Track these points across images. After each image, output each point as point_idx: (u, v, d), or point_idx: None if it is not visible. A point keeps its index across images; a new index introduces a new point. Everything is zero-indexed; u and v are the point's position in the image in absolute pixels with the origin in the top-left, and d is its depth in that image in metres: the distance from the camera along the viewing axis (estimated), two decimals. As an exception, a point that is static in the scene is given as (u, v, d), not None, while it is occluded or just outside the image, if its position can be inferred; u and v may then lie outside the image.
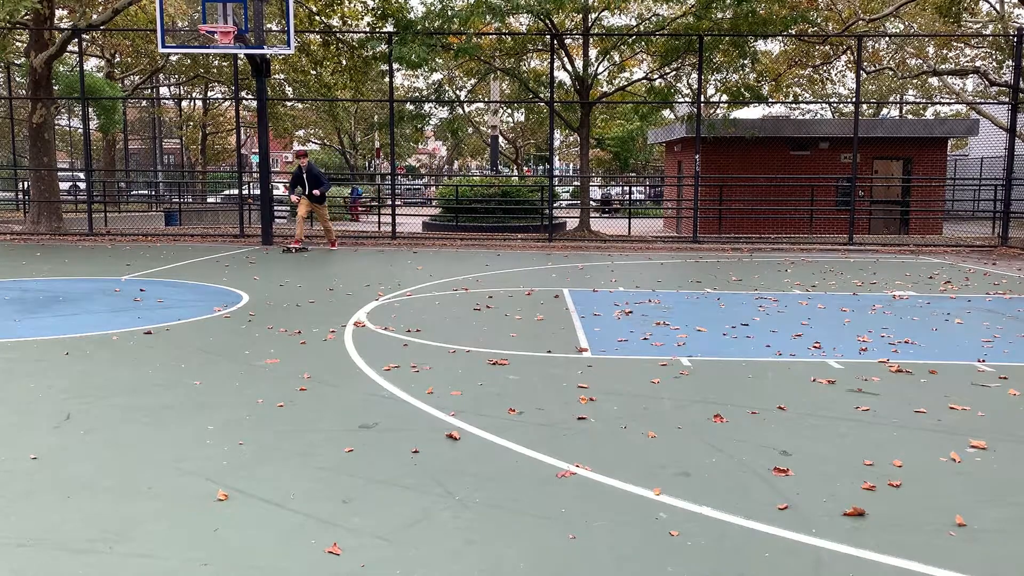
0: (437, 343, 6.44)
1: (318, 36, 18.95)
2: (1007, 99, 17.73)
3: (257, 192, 20.39)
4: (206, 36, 14.02)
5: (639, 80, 20.22)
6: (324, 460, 3.86)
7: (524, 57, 22.22)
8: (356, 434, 4.23)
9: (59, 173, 21.52)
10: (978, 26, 23.76)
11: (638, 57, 21.84)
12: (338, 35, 18.41)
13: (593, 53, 19.05)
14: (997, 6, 23.47)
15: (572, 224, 19.60)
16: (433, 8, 16.38)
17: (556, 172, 35.32)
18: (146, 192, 29.08)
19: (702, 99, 16.71)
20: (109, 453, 3.93)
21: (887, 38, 25.49)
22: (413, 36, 15.50)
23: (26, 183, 20.63)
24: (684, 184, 20.92)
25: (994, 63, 24.46)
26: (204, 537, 3.04)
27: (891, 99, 36.16)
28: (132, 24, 20.90)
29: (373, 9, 16.95)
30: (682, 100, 21.01)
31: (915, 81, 30.86)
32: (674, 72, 19.74)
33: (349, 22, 18.63)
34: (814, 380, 5.39)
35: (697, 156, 16.35)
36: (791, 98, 28.48)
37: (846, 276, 11.16)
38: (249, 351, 6.11)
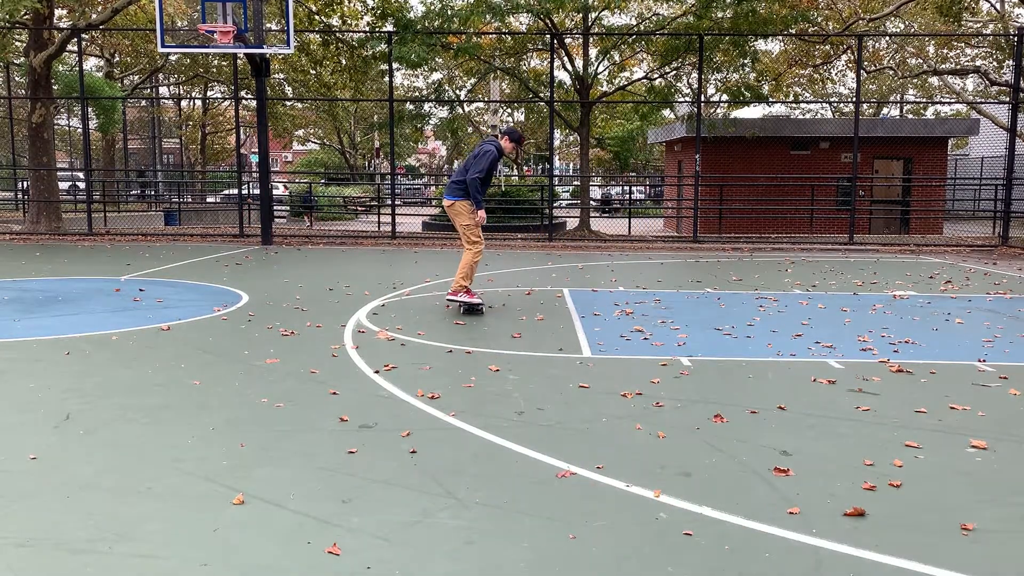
0: (437, 343, 6.44)
1: (318, 36, 18.95)
2: (1007, 99, 17.73)
3: (257, 192, 20.37)
4: (205, 36, 14.02)
5: (639, 80, 20.21)
6: (324, 460, 3.85)
7: (524, 57, 22.23)
8: (356, 434, 4.23)
9: (59, 173, 21.51)
10: (978, 26, 23.76)
11: (638, 57, 21.85)
12: (338, 35, 18.41)
13: (593, 53, 19.05)
14: (997, 6, 23.47)
15: (572, 224, 19.60)
16: (433, 7, 16.38)
17: (556, 172, 35.35)
18: (143, 192, 29.06)
19: (702, 99, 16.71)
20: (109, 453, 3.93)
21: (887, 38, 25.49)
22: (413, 36, 15.50)
23: (25, 183, 20.63)
24: (684, 184, 20.93)
25: (994, 63, 24.47)
26: (204, 537, 3.04)
27: (891, 99, 36.17)
28: (131, 24, 20.90)
29: (373, 8, 16.95)
30: (682, 100, 21.01)
31: (915, 81, 30.88)
32: (674, 72, 19.74)
33: (349, 22, 18.63)
34: (814, 380, 5.39)
35: (697, 156, 16.35)
36: (791, 98, 28.48)
37: (846, 276, 11.16)
38: (249, 351, 6.10)
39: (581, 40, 19.53)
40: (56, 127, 21.99)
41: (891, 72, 27.72)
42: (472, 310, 7.72)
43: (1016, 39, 16.07)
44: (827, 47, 23.55)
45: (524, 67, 22.79)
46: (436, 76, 26.15)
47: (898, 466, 3.81)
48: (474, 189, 7.58)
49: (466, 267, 7.69)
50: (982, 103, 23.27)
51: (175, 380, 5.26)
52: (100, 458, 3.86)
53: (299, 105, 35.43)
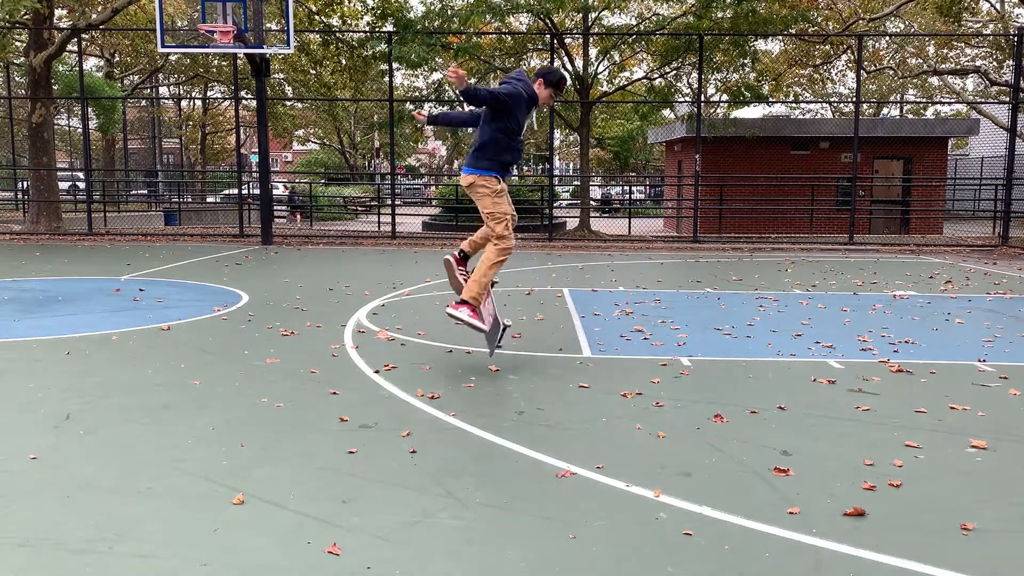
0: (437, 343, 6.44)
1: (318, 36, 18.95)
2: (1007, 99, 17.73)
3: (257, 192, 20.38)
4: (205, 36, 14.02)
5: (639, 79, 20.22)
6: (324, 460, 3.85)
7: (524, 56, 22.21)
8: (356, 434, 4.23)
9: (59, 173, 21.51)
10: (978, 25, 23.76)
11: (638, 57, 21.84)
12: (338, 34, 18.41)
13: (593, 52, 19.06)
14: (997, 6, 23.47)
15: (572, 224, 19.60)
16: (433, 7, 16.38)
17: (556, 172, 35.35)
18: (145, 192, 29.07)
19: (702, 99, 16.71)
20: (109, 453, 3.93)
21: (887, 37, 25.49)
22: (413, 35, 15.50)
23: (25, 183, 20.63)
24: (684, 184, 20.92)
25: (994, 63, 24.47)
26: (204, 537, 3.04)
27: (891, 99, 36.18)
28: (131, 24, 20.90)
29: (373, 8, 16.96)
30: (682, 100, 21.01)
31: (915, 81, 30.88)
32: (674, 72, 19.74)
33: (349, 21, 18.64)
34: (814, 380, 5.39)
35: (697, 156, 16.35)
36: (791, 98, 28.45)
37: (846, 276, 11.15)
38: (249, 351, 6.10)
39: (581, 40, 19.54)
40: (56, 127, 21.99)
41: (891, 72, 27.72)
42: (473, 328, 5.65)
43: (1016, 39, 16.06)
44: (827, 47, 23.55)
45: (524, 67, 22.78)
46: (436, 76, 26.13)
47: (898, 466, 3.81)
48: (474, 94, 5.14)
49: (484, 268, 5.56)
50: (982, 103, 23.27)
51: (175, 380, 5.26)
52: (100, 458, 3.86)
53: (299, 105, 35.42)
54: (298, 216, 23.43)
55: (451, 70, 5.06)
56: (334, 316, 7.58)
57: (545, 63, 20.92)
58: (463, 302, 5.61)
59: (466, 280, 5.79)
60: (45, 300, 8.38)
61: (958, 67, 25.43)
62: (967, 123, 22.07)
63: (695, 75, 19.75)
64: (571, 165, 52.02)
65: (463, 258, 5.96)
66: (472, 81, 4.79)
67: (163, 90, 33.65)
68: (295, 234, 17.84)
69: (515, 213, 5.74)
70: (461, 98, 5.20)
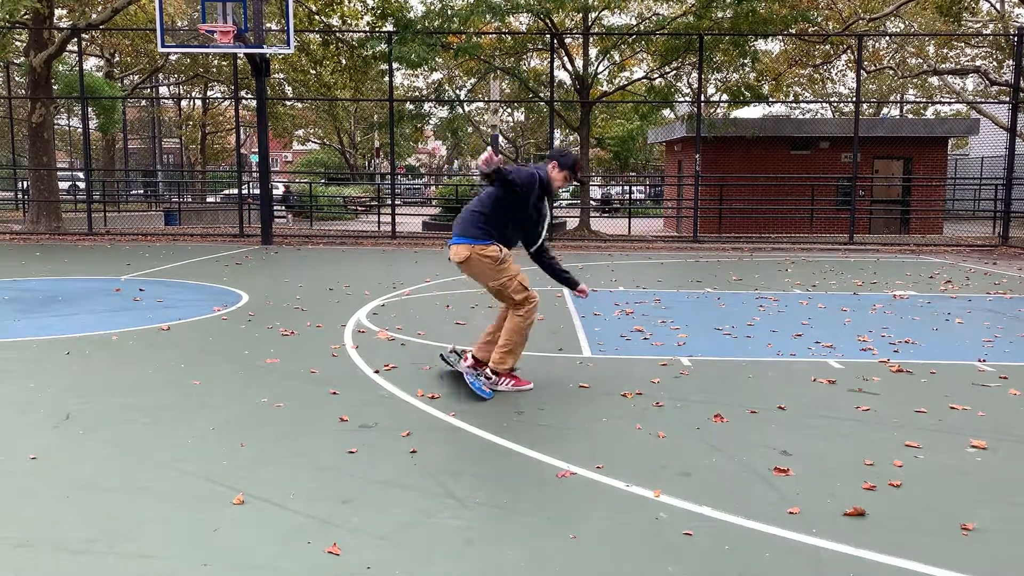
0: (437, 343, 6.44)
1: (318, 35, 18.95)
2: (1007, 98, 17.73)
3: (257, 191, 20.38)
4: (205, 35, 14.03)
5: (639, 79, 20.22)
6: (324, 460, 3.85)
7: (524, 56, 22.22)
8: (356, 434, 4.23)
9: (59, 173, 21.51)
10: (978, 25, 23.76)
11: (638, 57, 21.85)
12: (338, 34, 18.41)
13: (593, 52, 19.06)
14: (997, 5, 23.47)
15: (572, 224, 19.60)
16: (433, 7, 16.38)
17: (556, 172, 35.34)
18: (147, 192, 29.05)
19: (702, 98, 16.71)
20: (109, 453, 3.93)
21: (887, 37, 25.48)
22: (413, 35, 15.50)
23: (25, 183, 20.63)
24: (684, 184, 20.92)
25: (994, 62, 24.47)
26: (204, 537, 3.04)
27: (891, 99, 36.17)
28: (131, 23, 20.90)
29: (373, 8, 16.95)
30: (682, 100, 21.00)
31: (915, 80, 30.88)
32: (674, 71, 19.73)
33: (349, 21, 18.64)
34: (814, 380, 5.39)
35: (697, 156, 16.35)
36: (791, 98, 28.44)
37: (846, 276, 11.15)
38: (249, 351, 6.10)
39: (581, 40, 19.53)
40: (56, 127, 21.99)
41: (891, 72, 27.72)
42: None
43: (1016, 39, 16.07)
44: (827, 47, 23.54)
45: (524, 67, 22.78)
46: (436, 76, 26.15)
47: (898, 466, 3.81)
48: (500, 176, 4.54)
49: (514, 335, 5.02)
50: (982, 103, 23.26)
51: (175, 380, 5.26)
52: (100, 458, 3.86)
53: (299, 105, 35.41)
54: (291, 215, 23.45)
55: (485, 158, 4.39)
56: (334, 316, 7.58)
57: (545, 63, 20.92)
58: (498, 374, 4.96)
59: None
60: (45, 300, 8.38)
61: (958, 67, 25.43)
62: (967, 123, 22.05)
63: (695, 75, 19.76)
64: (571, 165, 51.92)
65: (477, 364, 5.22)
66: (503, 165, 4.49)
67: (163, 90, 33.63)
68: (295, 234, 17.84)
69: (535, 293, 5.05)
70: (493, 176, 4.54)
